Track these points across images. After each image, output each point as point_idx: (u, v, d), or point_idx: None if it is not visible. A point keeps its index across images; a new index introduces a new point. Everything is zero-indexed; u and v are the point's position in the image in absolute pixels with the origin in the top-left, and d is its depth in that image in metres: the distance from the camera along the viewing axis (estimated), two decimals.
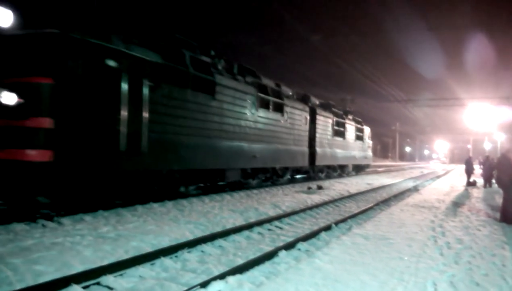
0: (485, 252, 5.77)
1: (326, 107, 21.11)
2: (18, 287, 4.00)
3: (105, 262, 4.92)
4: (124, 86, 8.12)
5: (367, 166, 30.44)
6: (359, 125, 26.36)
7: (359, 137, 26.28)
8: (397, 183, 21.64)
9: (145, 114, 8.62)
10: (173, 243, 6.01)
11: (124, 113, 8.08)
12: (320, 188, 14.84)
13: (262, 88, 13.85)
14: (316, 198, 12.30)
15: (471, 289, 4.21)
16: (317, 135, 18.75)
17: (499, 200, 10.92)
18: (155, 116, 8.89)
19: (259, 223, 7.93)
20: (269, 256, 5.66)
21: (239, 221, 8.11)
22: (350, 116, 25.09)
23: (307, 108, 17.89)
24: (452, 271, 4.73)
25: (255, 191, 13.05)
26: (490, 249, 5.98)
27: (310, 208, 10.36)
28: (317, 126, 18.82)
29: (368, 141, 29.18)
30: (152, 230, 6.60)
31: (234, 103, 12.11)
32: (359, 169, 27.97)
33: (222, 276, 4.53)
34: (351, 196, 13.83)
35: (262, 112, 13.69)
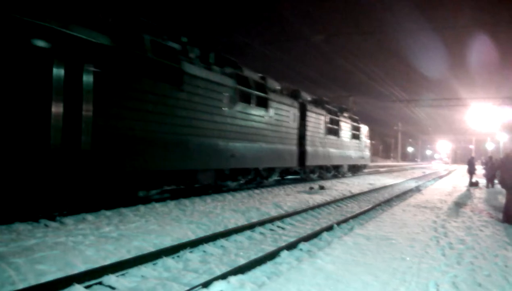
0: (487, 252, 5.76)
1: (318, 103, 19.67)
2: (21, 287, 4.02)
3: (107, 262, 4.93)
4: (58, 71, 6.87)
5: (365, 166, 28.95)
6: (355, 124, 24.90)
7: (356, 136, 24.80)
8: (399, 183, 21.61)
9: (87, 106, 7.39)
10: (175, 243, 6.02)
11: (57, 103, 6.83)
12: (322, 188, 14.83)
13: (243, 81, 12.39)
14: (318, 198, 12.30)
15: (474, 289, 4.20)
16: (308, 133, 17.32)
17: (501, 200, 10.89)
18: (102, 109, 7.66)
19: (261, 223, 7.93)
20: (271, 256, 5.66)
21: (241, 221, 8.12)
22: (345, 114, 23.73)
23: (296, 104, 16.38)
24: (454, 272, 4.72)
25: (257, 191, 13.05)
26: (492, 249, 5.96)
27: (312, 208, 10.35)
28: (308, 123, 17.32)
29: (366, 141, 27.61)
30: (154, 230, 6.61)
31: (207, 95, 10.68)
32: (355, 169, 26.56)
33: (224, 276, 4.54)
34: (353, 196, 13.82)
35: (242, 107, 12.25)
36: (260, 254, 5.72)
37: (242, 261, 5.40)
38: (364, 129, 26.94)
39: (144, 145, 8.71)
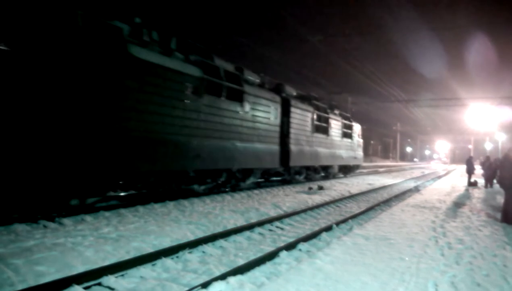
0: (486, 252, 5.76)
1: (304, 99, 18.13)
2: (20, 288, 4.01)
3: (106, 263, 4.93)
4: None
5: (357, 167, 27.35)
6: (347, 122, 23.37)
7: (347, 135, 23.29)
8: (398, 183, 21.64)
9: None
10: (174, 243, 6.02)
11: None
12: (321, 188, 14.83)
13: (211, 70, 10.95)
14: (317, 198, 12.30)
15: (472, 289, 4.20)
16: (292, 131, 15.85)
17: (500, 200, 10.91)
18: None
19: (260, 224, 7.93)
20: (270, 256, 5.67)
21: (240, 222, 8.12)
22: (336, 111, 22.23)
23: (278, 99, 14.83)
24: (453, 272, 4.73)
25: (256, 191, 13.05)
26: (491, 249, 5.97)
27: (311, 208, 10.36)
28: (292, 120, 15.87)
29: (359, 140, 26.07)
30: (153, 231, 6.61)
31: (164, 86, 9.18)
32: (347, 170, 25.04)
33: (223, 277, 4.54)
34: (352, 196, 13.83)
35: (210, 100, 10.75)
36: (259, 255, 5.72)
37: (241, 262, 5.41)
38: (357, 127, 25.60)
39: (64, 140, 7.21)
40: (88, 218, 7.40)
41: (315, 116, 18.30)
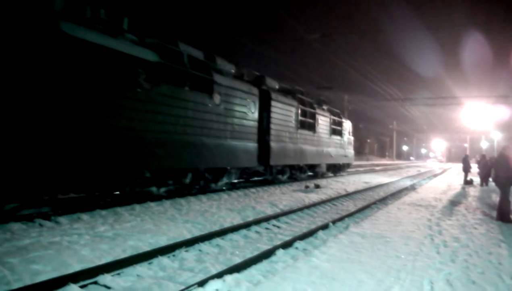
0: (481, 250, 5.80)
1: (287, 92, 16.83)
2: (15, 287, 4.00)
3: (103, 261, 4.92)
4: None
5: (348, 165, 25.88)
6: (336, 118, 22.07)
7: (337, 132, 22.10)
8: (394, 182, 21.70)
9: None
10: (171, 242, 6.00)
11: None
12: (317, 186, 14.86)
13: (172, 56, 9.68)
14: (313, 197, 12.32)
15: (468, 287, 4.23)
16: (273, 126, 14.57)
17: (495, 198, 10.97)
18: None
19: (257, 222, 7.94)
20: (267, 254, 5.67)
21: (237, 220, 8.12)
22: (324, 106, 20.91)
23: (255, 91, 13.50)
24: (448, 269, 4.76)
25: (252, 190, 13.05)
26: (486, 247, 6.00)
27: (308, 206, 10.37)
28: (273, 115, 14.60)
29: (349, 137, 24.96)
30: (150, 229, 6.60)
31: (102, 69, 7.81)
32: (336, 169, 23.64)
33: (219, 275, 4.54)
34: (348, 195, 13.86)
35: (169, 90, 9.42)
36: (256, 253, 5.72)
37: (237, 260, 5.41)
38: (348, 124, 24.57)
39: None
40: (84, 216, 7.38)
41: (299, 111, 17.02)
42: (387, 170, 38.22)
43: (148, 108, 8.89)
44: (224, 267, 4.98)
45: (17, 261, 4.64)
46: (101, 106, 7.85)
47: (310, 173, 20.06)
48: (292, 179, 17.83)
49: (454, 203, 11.45)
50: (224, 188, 12.79)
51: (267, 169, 15.18)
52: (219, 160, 11.55)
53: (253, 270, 5.08)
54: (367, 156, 78.97)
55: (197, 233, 6.79)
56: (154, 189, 9.87)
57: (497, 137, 49.90)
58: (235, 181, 14.29)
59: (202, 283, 4.29)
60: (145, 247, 5.69)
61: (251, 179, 15.75)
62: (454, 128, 74.67)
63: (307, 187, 14.76)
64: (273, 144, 14.55)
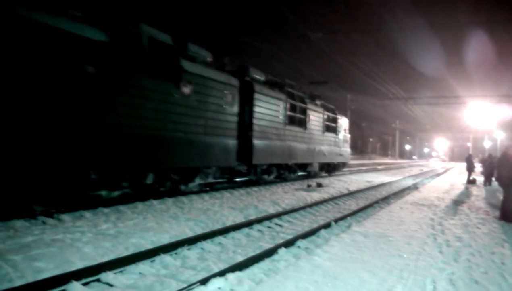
0: (484, 250, 5.78)
1: (275, 85, 15.46)
2: (18, 284, 4.01)
3: (105, 259, 4.92)
4: None
5: (343, 164, 24.26)
6: (331, 114, 20.65)
7: (331, 129, 20.69)
8: (397, 181, 21.66)
9: None
10: (173, 240, 6.01)
11: None
12: (319, 185, 14.85)
13: (125, 36, 8.27)
14: (315, 196, 12.31)
15: (470, 287, 4.21)
16: (256, 122, 13.21)
17: (499, 198, 10.93)
18: None
19: (259, 221, 7.93)
20: (269, 253, 5.67)
21: (239, 218, 8.12)
22: (318, 101, 19.57)
23: (236, 82, 12.16)
24: (451, 269, 4.74)
25: (255, 188, 13.05)
26: (489, 247, 5.98)
27: (310, 205, 10.36)
28: (256, 109, 13.23)
29: (345, 135, 23.41)
30: (152, 227, 6.61)
31: (42, 51, 6.66)
32: (331, 168, 22.29)
33: (221, 273, 4.54)
34: (350, 194, 13.84)
35: (120, 76, 8.09)
36: (258, 251, 5.72)
37: (240, 258, 5.41)
38: (344, 121, 23.05)
39: None
40: (87, 214, 7.40)
41: (288, 106, 15.61)
42: (389, 169, 38.17)
43: (91, 96, 7.52)
44: (226, 266, 4.98)
45: (20, 258, 4.66)
46: (29, 91, 6.55)
47: (301, 173, 18.87)
48: (281, 179, 16.70)
49: (457, 202, 11.42)
50: (194, 189, 11.38)
51: (251, 168, 14.01)
52: (189, 159, 10.18)
53: (255, 269, 5.08)
54: (369, 154, 78.91)
55: (199, 231, 6.80)
56: (104, 192, 8.48)
57: (500, 136, 49.75)
58: (223, 180, 13.59)
59: (204, 281, 4.29)
60: (147, 245, 5.69)
61: (235, 179, 14.67)
62: (457, 128, 74.52)
63: (309, 185, 14.76)
64: (256, 141, 13.21)
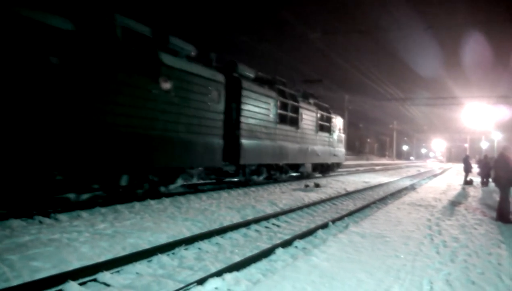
0: (481, 250, 5.79)
1: (264, 82, 14.82)
2: (15, 284, 4.00)
3: (102, 259, 4.92)
4: None
5: (337, 165, 23.77)
6: (325, 113, 20.08)
7: (325, 129, 20.09)
8: (394, 181, 21.70)
9: None
10: (170, 240, 6.01)
11: None
12: (317, 186, 14.86)
13: (96, 27, 7.77)
14: (313, 196, 12.32)
15: (467, 287, 4.23)
16: (244, 120, 12.68)
17: (496, 198, 10.96)
18: None
19: (256, 221, 7.93)
20: (266, 253, 5.67)
21: (236, 218, 8.12)
22: (311, 100, 19.03)
23: (221, 78, 11.51)
24: (448, 269, 4.75)
25: (252, 189, 13.05)
26: (486, 247, 6.00)
27: (307, 205, 10.37)
28: (244, 106, 12.69)
29: (340, 135, 22.80)
30: (149, 227, 6.60)
31: None
32: (324, 169, 21.63)
33: (219, 273, 4.54)
34: (348, 194, 13.85)
35: (89, 68, 7.47)
36: (255, 252, 5.73)
37: (237, 258, 5.41)
38: (338, 121, 22.44)
39: None
40: (84, 214, 7.38)
41: (279, 104, 15.02)
42: (387, 169, 38.24)
43: (55, 88, 6.93)
44: (223, 266, 4.98)
45: (17, 258, 4.64)
46: None
47: (293, 174, 18.37)
48: (272, 179, 16.14)
49: (454, 203, 11.45)
50: (176, 191, 10.77)
51: (239, 169, 13.41)
52: (168, 159, 9.58)
53: (252, 269, 5.08)
54: (367, 155, 78.99)
55: (196, 231, 6.79)
56: (72, 195, 7.79)
57: (497, 137, 49.94)
58: (210, 180, 13.02)
59: (201, 282, 4.29)
60: (144, 245, 5.68)
61: (224, 180, 14.25)
62: (455, 129, 74.72)
63: (307, 186, 14.77)
64: (244, 140, 12.65)
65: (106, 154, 7.92)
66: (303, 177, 18.94)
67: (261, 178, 15.06)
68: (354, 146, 77.83)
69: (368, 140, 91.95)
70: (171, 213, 8.01)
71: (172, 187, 10.51)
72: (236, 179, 14.09)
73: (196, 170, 11.28)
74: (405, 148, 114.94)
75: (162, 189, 10.23)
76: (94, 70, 7.61)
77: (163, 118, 9.31)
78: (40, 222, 6.65)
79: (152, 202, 9.06)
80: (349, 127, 46.79)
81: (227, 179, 14.18)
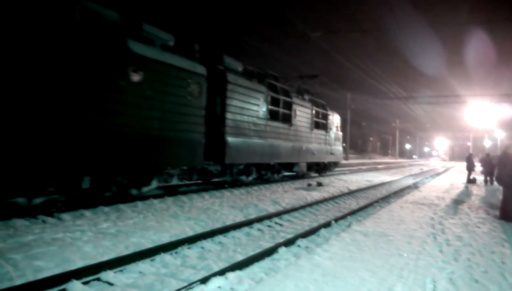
0: (484, 249, 5.78)
1: (254, 76, 14.00)
2: (19, 283, 4.01)
3: (105, 258, 4.93)
4: None
5: (335, 164, 22.71)
6: (321, 110, 19.19)
7: (321, 126, 19.24)
8: (397, 180, 21.67)
9: None
10: (173, 239, 6.01)
11: None
12: (320, 184, 14.86)
13: (47, 7, 6.75)
14: (316, 195, 12.31)
15: (470, 286, 4.21)
16: (229, 116, 11.76)
17: (499, 197, 10.92)
18: None
19: (259, 220, 7.93)
20: (269, 252, 5.67)
21: (239, 218, 8.12)
22: (306, 96, 18.20)
23: (202, 70, 10.44)
24: (451, 268, 4.74)
25: (255, 188, 13.05)
26: (489, 246, 5.98)
27: (310, 204, 10.36)
28: (230, 101, 11.78)
29: (337, 133, 21.88)
30: (152, 226, 6.61)
31: None
32: (321, 168, 20.79)
33: (222, 272, 4.54)
34: (350, 193, 13.84)
35: (37, 51, 6.50)
36: (258, 250, 5.72)
37: (240, 257, 5.41)
38: (335, 118, 21.58)
39: None
40: (87, 213, 7.40)
41: (269, 99, 14.11)
42: (389, 168, 38.18)
43: None
44: (226, 265, 4.98)
45: (20, 257, 4.66)
46: None
47: (287, 173, 17.52)
48: (263, 180, 15.23)
49: (457, 201, 11.42)
50: (148, 194, 9.65)
51: (226, 169, 12.49)
52: (138, 158, 8.55)
53: (255, 268, 5.09)
54: (369, 154, 78.93)
55: (199, 230, 6.80)
56: (21, 200, 6.78)
57: (501, 136, 49.77)
58: (198, 181, 12.30)
59: (204, 280, 4.29)
60: (147, 244, 5.69)
61: (212, 181, 13.40)
62: (457, 127, 74.56)
63: (309, 185, 14.77)
64: (230, 138, 11.71)
65: (57, 152, 6.85)
66: (298, 176, 18.24)
67: (250, 179, 14.06)
68: (357, 145, 77.76)
69: (371, 139, 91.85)
70: (173, 212, 8.02)
71: (146, 189, 9.42)
72: (217, 179, 13.10)
73: (176, 170, 10.30)
74: (407, 146, 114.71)
75: (134, 191, 9.14)
76: (45, 55, 6.58)
77: (132, 113, 8.31)
78: (44, 222, 6.67)
79: (155, 201, 9.07)
80: (351, 126, 46.76)
81: (215, 179, 13.26)
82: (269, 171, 15.37)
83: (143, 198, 9.21)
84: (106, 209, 7.90)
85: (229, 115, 11.79)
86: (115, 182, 8.59)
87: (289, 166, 17.13)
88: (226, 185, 13.07)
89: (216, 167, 12.07)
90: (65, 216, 7.00)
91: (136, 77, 8.33)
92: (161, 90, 9.09)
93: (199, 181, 12.98)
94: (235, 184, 13.32)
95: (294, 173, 18.04)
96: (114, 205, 8.28)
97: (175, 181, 10.48)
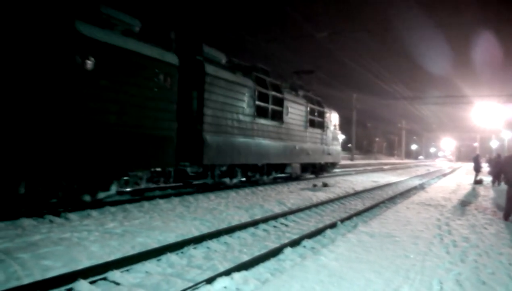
0: (491, 250, 5.74)
1: (240, 69, 12.78)
2: (26, 282, 4.04)
3: (112, 258, 4.95)
4: None
5: (332, 165, 21.56)
6: (316, 107, 17.92)
7: (317, 124, 18.07)
8: (403, 181, 21.57)
9: None
10: (179, 239, 6.03)
11: None
12: (325, 185, 14.83)
13: None
14: (321, 195, 12.29)
15: (477, 287, 4.19)
16: (208, 112, 10.54)
17: None
18: None
19: (265, 220, 7.93)
20: (274, 252, 5.67)
21: (245, 218, 8.13)
22: (300, 92, 16.99)
23: (174, 60, 9.30)
24: (458, 270, 4.72)
25: (260, 188, 13.05)
26: (496, 247, 5.94)
27: (316, 205, 10.34)
28: (208, 96, 10.52)
29: (335, 132, 20.63)
30: (158, 226, 6.64)
31: None
32: (317, 169, 19.57)
33: (227, 273, 4.55)
34: (356, 194, 13.80)
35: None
36: (264, 251, 5.73)
37: (245, 258, 5.41)
38: (333, 116, 20.34)
39: None
40: (94, 213, 7.44)
41: (257, 94, 12.89)
42: (395, 169, 38.02)
43: None
44: (232, 265, 4.99)
45: (28, 257, 4.70)
46: None
47: (281, 175, 16.23)
48: (252, 182, 13.95)
49: (463, 202, 11.35)
50: (107, 201, 8.49)
51: (206, 170, 11.22)
52: (92, 160, 7.43)
53: (261, 268, 5.09)
54: (375, 154, 78.65)
55: (205, 230, 6.81)
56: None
57: (508, 136, 49.40)
58: (180, 184, 11.41)
59: (210, 280, 4.30)
60: (153, 244, 5.72)
61: (193, 183, 12.07)
62: (464, 127, 74.07)
63: (315, 185, 14.75)
64: (208, 136, 10.50)
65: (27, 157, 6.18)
66: (291, 178, 17.05)
67: (235, 181, 12.73)
68: (362, 145, 77.51)
69: (377, 139, 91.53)
70: (179, 212, 8.05)
71: (103, 195, 8.20)
72: (197, 182, 11.87)
73: (145, 172, 9.09)
74: (414, 147, 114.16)
75: (87, 198, 7.89)
76: None
77: (83, 106, 7.17)
78: (51, 221, 6.71)
79: (161, 201, 9.10)
80: (357, 127, 46.63)
81: (196, 182, 11.97)
82: (257, 172, 14.03)
83: (149, 198, 9.24)
84: (112, 209, 7.94)
85: (207, 111, 10.54)
86: (60, 187, 7.32)
87: (281, 167, 15.73)
88: (200, 189, 11.71)
89: (194, 168, 10.71)
90: (72, 216, 7.04)
91: (87, 65, 7.17)
92: (119, 80, 7.90)
93: (179, 184, 11.78)
94: (218, 187, 12.12)
95: (287, 175, 16.76)
96: (120, 205, 8.32)
97: (143, 185, 9.30)
